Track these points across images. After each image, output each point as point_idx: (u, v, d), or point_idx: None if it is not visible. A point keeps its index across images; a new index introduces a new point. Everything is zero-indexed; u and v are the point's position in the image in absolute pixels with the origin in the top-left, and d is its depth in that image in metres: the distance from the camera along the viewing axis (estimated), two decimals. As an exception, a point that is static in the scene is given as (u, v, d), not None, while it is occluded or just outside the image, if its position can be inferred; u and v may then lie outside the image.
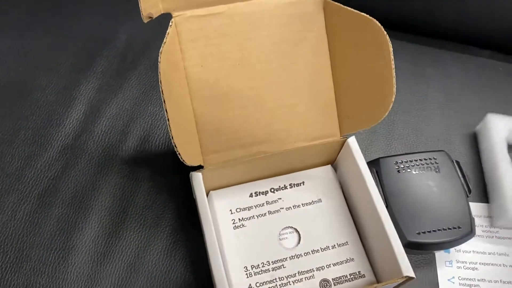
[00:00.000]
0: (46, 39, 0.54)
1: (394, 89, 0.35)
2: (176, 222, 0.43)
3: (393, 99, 0.35)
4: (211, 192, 0.41)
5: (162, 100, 0.32)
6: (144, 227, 0.43)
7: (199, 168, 0.38)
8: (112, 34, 0.55)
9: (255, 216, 0.41)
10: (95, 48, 0.54)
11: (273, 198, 0.42)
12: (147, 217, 0.43)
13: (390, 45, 0.35)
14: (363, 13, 0.35)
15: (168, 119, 0.32)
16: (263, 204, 0.41)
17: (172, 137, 0.33)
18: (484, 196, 0.48)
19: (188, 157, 0.35)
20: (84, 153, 0.46)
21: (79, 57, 0.53)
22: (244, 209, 0.41)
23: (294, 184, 0.42)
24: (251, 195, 0.42)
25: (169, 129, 0.33)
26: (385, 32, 0.34)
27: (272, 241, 0.40)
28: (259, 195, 0.42)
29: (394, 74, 0.35)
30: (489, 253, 0.45)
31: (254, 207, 0.41)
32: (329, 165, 0.44)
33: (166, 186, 0.45)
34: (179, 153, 0.34)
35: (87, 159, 0.46)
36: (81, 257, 0.41)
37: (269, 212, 0.41)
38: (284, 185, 0.42)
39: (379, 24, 0.35)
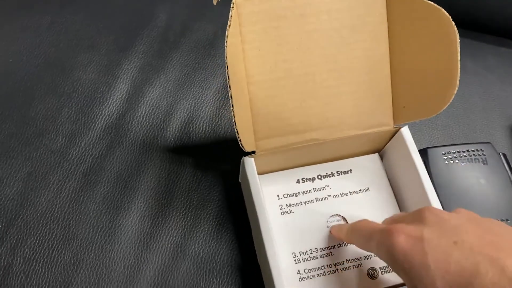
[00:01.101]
0: (86, 17, 0.54)
1: (458, 82, 0.35)
2: (222, 204, 0.43)
3: (455, 91, 0.35)
4: (258, 176, 0.41)
5: (228, 85, 0.32)
6: (190, 208, 0.43)
7: (250, 153, 0.38)
8: (151, 13, 0.55)
9: (302, 203, 0.41)
10: (136, 27, 0.53)
11: (320, 185, 0.42)
12: (193, 199, 0.43)
13: (458, 36, 0.34)
14: (430, 1, 0.35)
15: (232, 105, 0.32)
16: (310, 191, 0.41)
17: (235, 124, 0.32)
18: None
19: (246, 143, 0.35)
20: (129, 132, 0.46)
21: (120, 36, 0.52)
22: (292, 195, 0.41)
23: (341, 172, 0.42)
24: (298, 181, 0.42)
25: (232, 115, 0.32)
26: (453, 23, 0.34)
27: (320, 228, 0.40)
28: (307, 181, 0.42)
29: (459, 66, 0.35)
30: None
31: (301, 194, 0.41)
32: (377, 154, 0.44)
33: (211, 168, 0.45)
34: (240, 139, 0.33)
35: (132, 139, 0.45)
36: (127, 237, 0.41)
37: (317, 199, 0.41)
38: (332, 172, 0.42)
39: (448, 14, 0.34)
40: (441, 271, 0.26)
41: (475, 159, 0.43)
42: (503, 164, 0.44)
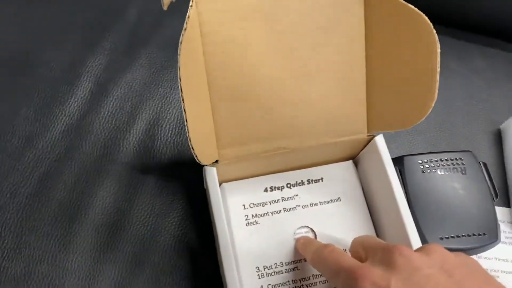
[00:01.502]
0: (52, 10, 0.51)
1: (436, 95, 0.32)
2: (186, 212, 0.41)
3: (433, 105, 0.33)
4: (223, 184, 0.39)
5: (181, 99, 0.29)
6: (152, 216, 0.40)
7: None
8: (123, 7, 0.52)
9: (269, 213, 0.38)
10: (105, 22, 0.50)
11: (289, 195, 0.39)
12: (155, 206, 0.41)
13: (439, 46, 0.32)
14: (411, 6, 0.32)
15: (186, 120, 0.30)
16: (278, 200, 0.39)
17: (190, 139, 0.30)
18: (507, 199, 0.46)
19: (204, 156, 0.33)
20: (90, 134, 0.43)
21: (88, 31, 0.49)
22: (258, 204, 0.39)
23: (312, 180, 0.40)
24: (266, 190, 0.39)
25: (186, 129, 0.30)
26: (435, 31, 0.31)
27: (286, 240, 0.37)
28: (275, 190, 0.39)
29: (438, 78, 0.32)
30: None
31: (268, 203, 0.39)
32: (350, 161, 0.41)
33: (175, 174, 0.42)
34: (196, 155, 0.31)
35: (93, 141, 0.43)
36: (83, 246, 0.39)
37: (285, 210, 0.39)
38: (302, 180, 0.40)
39: (429, 21, 0.31)
40: None
41: (453, 168, 0.41)
42: (483, 174, 0.41)
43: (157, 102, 0.46)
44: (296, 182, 0.40)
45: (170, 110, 0.45)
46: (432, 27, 0.32)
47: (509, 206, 0.46)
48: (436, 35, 0.32)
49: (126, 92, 0.46)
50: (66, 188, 0.41)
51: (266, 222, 0.38)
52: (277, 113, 0.36)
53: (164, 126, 0.45)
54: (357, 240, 0.32)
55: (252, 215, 0.38)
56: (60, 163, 0.42)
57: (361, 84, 0.37)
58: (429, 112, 0.33)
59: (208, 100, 0.35)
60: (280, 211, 0.38)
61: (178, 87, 0.46)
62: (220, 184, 0.39)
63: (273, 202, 0.39)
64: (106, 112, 0.45)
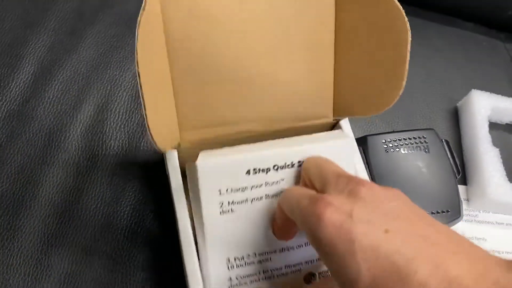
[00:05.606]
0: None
1: (404, 83, 0.31)
2: (138, 200, 0.38)
3: (400, 93, 0.31)
4: (198, 162, 0.29)
5: (139, 85, 0.26)
6: (102, 205, 0.38)
7: (176, 144, 0.34)
8: (66, -15, 0.48)
9: (248, 200, 0.32)
10: (47, 0, 0.47)
11: (274, 179, 0.31)
12: (106, 194, 0.38)
13: (410, 35, 0.30)
14: None
15: (144, 107, 0.27)
16: (261, 186, 0.31)
17: (148, 126, 0.28)
18: (463, 176, 0.46)
19: (165, 142, 0.31)
20: (33, 121, 0.40)
21: (28, 10, 0.46)
22: (237, 190, 0.31)
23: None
24: (248, 172, 0.30)
25: (144, 115, 0.27)
26: (406, 19, 0.30)
27: (262, 230, 0.33)
28: (259, 172, 0.31)
29: (407, 67, 0.31)
30: (468, 238, 0.42)
31: (249, 189, 0.31)
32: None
33: (127, 160, 0.40)
34: (155, 142, 0.29)
35: (36, 128, 0.40)
36: (28, 239, 0.36)
37: (266, 196, 0.32)
38: (292, 162, 0.31)
39: (401, 8, 0.30)
40: (368, 263, 0.22)
41: (416, 147, 0.40)
42: (445, 152, 0.41)
43: (106, 84, 0.43)
44: (285, 164, 0.31)
45: (120, 93, 0.43)
46: (404, 14, 0.30)
47: (465, 184, 0.45)
48: (407, 23, 0.30)
49: (72, 75, 0.43)
50: (9, 178, 0.38)
51: (243, 211, 0.32)
52: (242, 96, 0.34)
53: (113, 110, 0.42)
54: (312, 163, 0.30)
55: (229, 202, 0.31)
56: (1, 152, 0.38)
57: (329, 68, 0.36)
58: (395, 101, 0.32)
59: (169, 82, 0.32)
60: (261, 197, 0.32)
61: (128, 68, 0.44)
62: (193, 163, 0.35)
63: (255, 187, 0.31)
64: (51, 97, 0.41)
